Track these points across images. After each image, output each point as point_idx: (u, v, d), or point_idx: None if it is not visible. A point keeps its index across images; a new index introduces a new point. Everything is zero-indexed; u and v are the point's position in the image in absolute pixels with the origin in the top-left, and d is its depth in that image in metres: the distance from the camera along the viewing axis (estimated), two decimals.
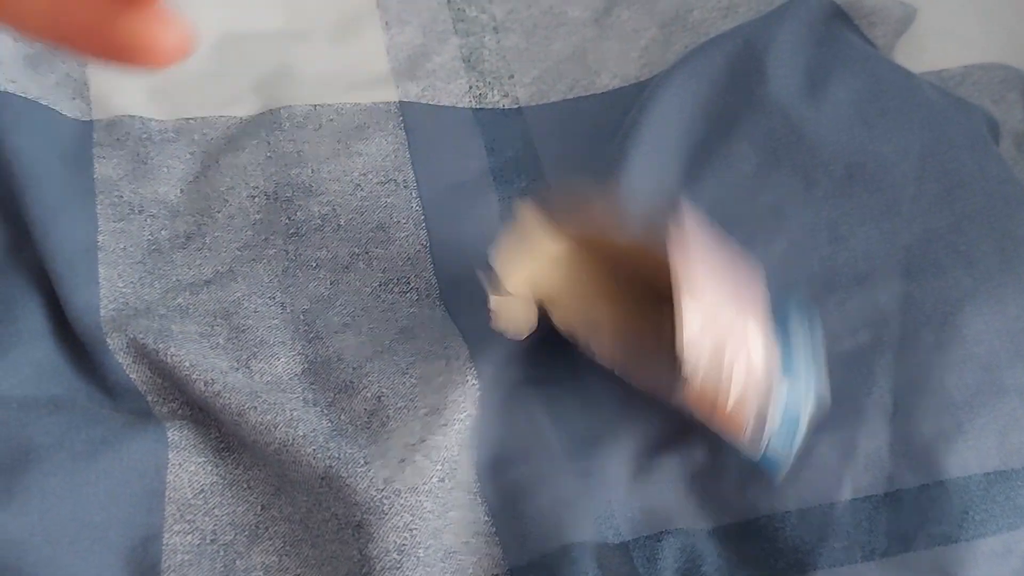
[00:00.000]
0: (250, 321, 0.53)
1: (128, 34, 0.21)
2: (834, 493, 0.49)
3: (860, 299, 0.53)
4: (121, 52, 0.22)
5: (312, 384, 0.52)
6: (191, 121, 0.60)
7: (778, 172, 0.55)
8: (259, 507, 0.50)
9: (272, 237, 0.56)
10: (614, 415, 0.50)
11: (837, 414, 0.50)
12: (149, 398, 0.51)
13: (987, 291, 0.52)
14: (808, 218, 0.54)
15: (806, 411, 0.49)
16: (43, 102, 0.58)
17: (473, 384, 0.49)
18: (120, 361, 0.51)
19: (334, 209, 0.57)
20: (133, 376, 0.51)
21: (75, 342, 0.52)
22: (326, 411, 0.50)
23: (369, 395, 0.50)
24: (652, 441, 0.50)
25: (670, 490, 0.50)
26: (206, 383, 0.50)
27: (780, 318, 0.49)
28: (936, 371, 0.50)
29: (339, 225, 0.57)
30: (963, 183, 0.55)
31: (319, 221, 0.57)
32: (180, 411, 0.51)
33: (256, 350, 0.52)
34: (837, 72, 0.57)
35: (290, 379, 0.52)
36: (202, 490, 0.50)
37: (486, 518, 0.49)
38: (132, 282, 0.54)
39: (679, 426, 0.51)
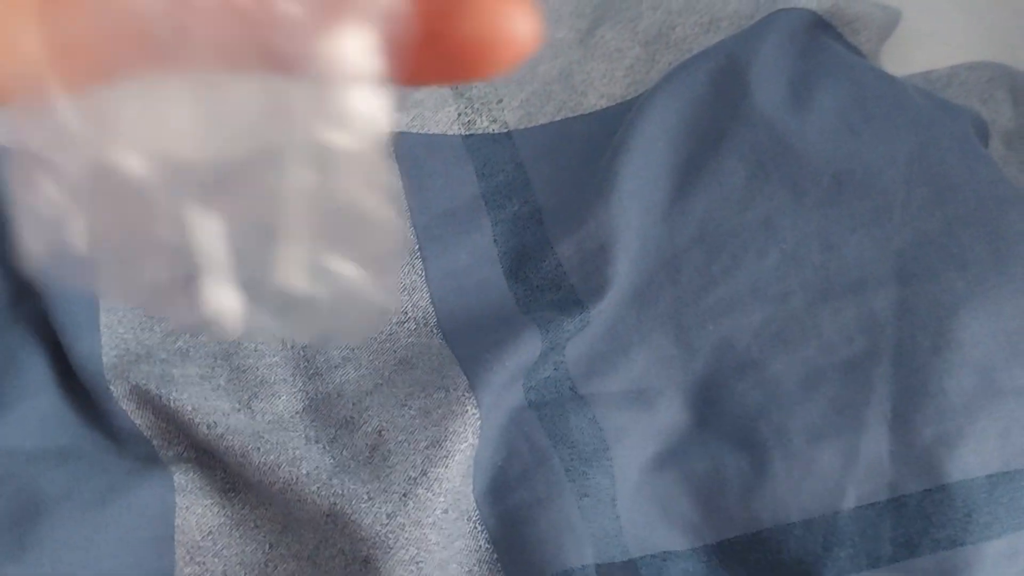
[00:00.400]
0: (250, 360, 0.54)
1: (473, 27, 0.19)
2: (837, 502, 0.49)
3: (855, 307, 0.53)
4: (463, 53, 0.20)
5: (313, 421, 0.52)
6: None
7: (767, 184, 0.56)
8: (267, 546, 0.50)
9: None
10: (614, 433, 0.51)
11: (837, 423, 0.50)
12: (154, 443, 0.52)
13: (981, 294, 0.52)
14: (799, 228, 0.55)
15: None
16: None
17: (473, 414, 0.50)
18: (124, 408, 0.52)
19: None
20: (138, 422, 0.52)
21: (80, 391, 0.52)
22: (328, 448, 0.51)
23: (370, 430, 0.51)
24: (653, 457, 0.51)
25: (674, 505, 0.50)
26: (208, 426, 0.50)
27: None
28: (934, 376, 0.50)
29: None
30: (953, 186, 0.55)
31: None
32: (185, 454, 0.52)
33: (257, 390, 0.53)
34: (821, 82, 0.58)
35: (291, 417, 0.52)
36: (210, 532, 0.50)
37: (487, 545, 0.49)
38: (133, 327, 0.55)
39: (679, 440, 0.51)
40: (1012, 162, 0.62)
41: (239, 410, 0.52)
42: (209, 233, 0.20)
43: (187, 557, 0.50)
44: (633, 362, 0.53)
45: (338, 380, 0.53)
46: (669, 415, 0.52)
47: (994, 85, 0.64)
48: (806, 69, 0.58)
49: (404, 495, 0.48)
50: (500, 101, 0.63)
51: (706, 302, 0.54)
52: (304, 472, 0.49)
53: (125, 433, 0.52)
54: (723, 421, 0.51)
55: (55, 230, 0.19)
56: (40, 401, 0.51)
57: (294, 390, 0.53)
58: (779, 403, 0.51)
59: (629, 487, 0.50)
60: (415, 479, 0.48)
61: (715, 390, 0.52)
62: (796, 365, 0.52)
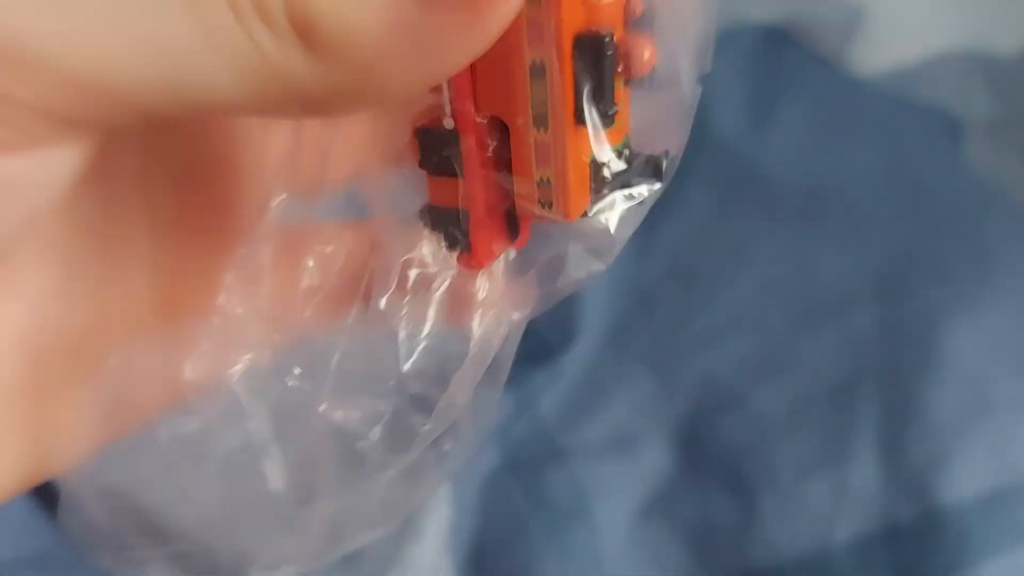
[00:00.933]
0: None
1: None
2: (829, 536, 0.48)
3: (836, 329, 0.52)
4: None
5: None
6: None
7: (735, 210, 0.55)
8: None
9: None
10: (597, 486, 0.50)
11: (825, 454, 0.49)
12: (126, 542, 0.52)
13: (964, 305, 0.51)
14: (772, 252, 0.54)
15: None
16: None
17: (445, 484, 0.49)
18: (95, 507, 0.51)
19: None
20: (108, 521, 0.51)
21: (51, 494, 0.52)
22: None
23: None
24: (640, 506, 0.50)
25: (665, 554, 0.49)
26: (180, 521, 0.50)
27: None
28: (920, 395, 0.49)
29: None
30: (927, 196, 0.54)
31: None
32: (156, 552, 0.52)
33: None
34: (781, 98, 0.56)
35: None
36: None
37: None
38: None
39: (666, 486, 0.50)
40: (992, 155, 0.61)
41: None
42: None
43: None
44: (613, 407, 0.52)
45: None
46: (654, 460, 0.51)
47: (967, 75, 0.63)
48: (764, 87, 0.57)
49: None
50: None
51: (684, 337, 0.53)
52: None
53: (96, 533, 0.51)
54: (709, 462, 0.51)
55: None
56: (13, 509, 0.51)
57: None
58: (765, 438, 0.50)
59: (618, 541, 0.49)
60: (387, 563, 0.48)
61: (699, 429, 0.51)
62: (780, 396, 0.51)
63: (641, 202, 0.24)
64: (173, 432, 0.22)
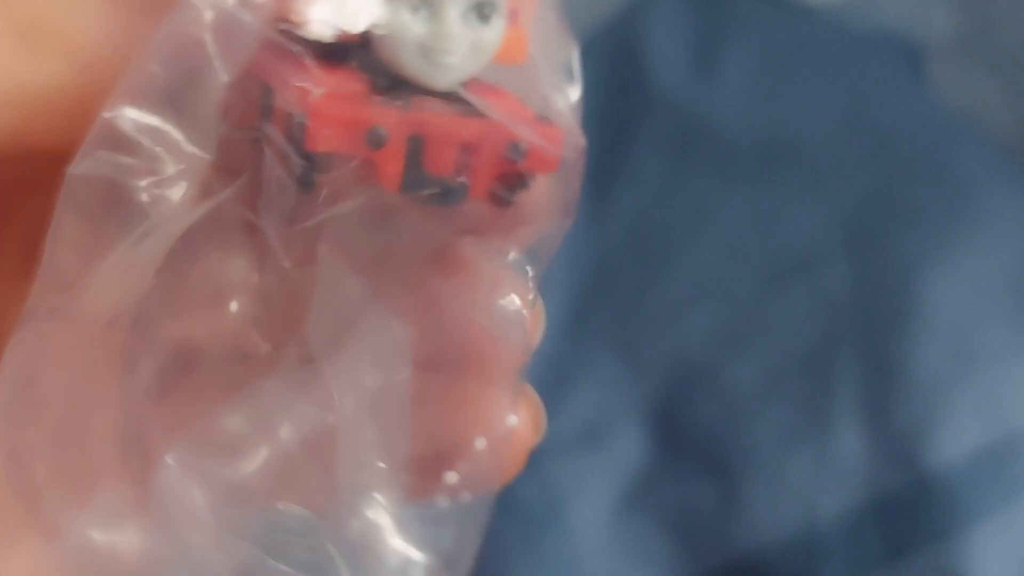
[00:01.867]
0: None
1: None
2: (815, 512, 0.46)
3: (806, 289, 0.49)
4: None
5: None
6: None
7: (689, 171, 0.52)
8: None
9: None
10: (570, 485, 0.48)
11: (804, 425, 0.47)
12: None
13: (939, 251, 0.48)
14: (732, 213, 0.51)
15: None
16: None
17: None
18: None
19: None
20: None
21: None
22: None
23: None
24: (619, 499, 0.48)
25: (649, 546, 0.48)
26: None
27: None
28: (899, 353, 0.47)
29: None
30: (890, 136, 0.51)
31: None
32: None
33: None
34: (726, 43, 0.53)
35: None
36: None
37: None
38: None
39: (643, 475, 0.48)
40: (958, 75, 0.58)
41: None
42: None
43: None
44: (580, 395, 0.49)
45: None
46: (627, 449, 0.48)
47: None
48: (707, 33, 0.53)
49: None
50: None
51: (647, 311, 0.50)
52: None
53: None
54: (686, 444, 0.48)
55: None
56: None
57: None
58: (741, 415, 0.48)
59: (596, 540, 0.47)
60: None
61: (672, 410, 0.49)
62: (753, 367, 0.48)
63: None
64: None
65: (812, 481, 0.46)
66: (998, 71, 0.58)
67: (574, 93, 0.20)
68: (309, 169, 0.18)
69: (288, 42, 0.17)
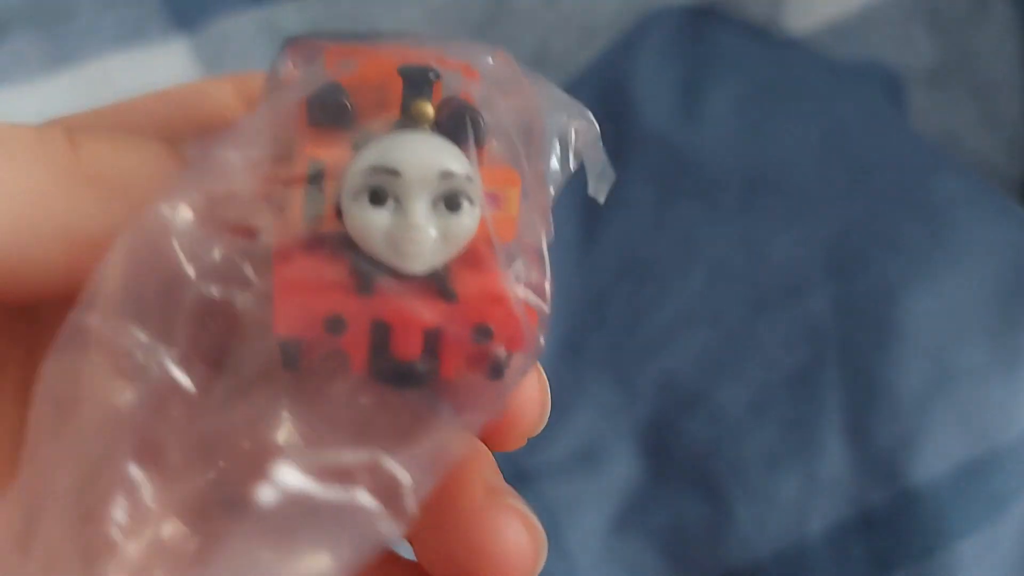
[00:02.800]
0: None
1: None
2: (803, 527, 0.48)
3: (792, 313, 0.51)
4: None
5: None
6: None
7: (677, 202, 0.53)
8: None
9: None
10: (565, 507, 0.49)
11: (791, 444, 0.48)
12: None
13: (919, 273, 0.50)
14: (719, 241, 0.52)
15: None
16: None
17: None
18: None
19: None
20: None
21: None
22: None
23: None
24: (612, 519, 0.49)
25: (641, 565, 0.49)
26: None
27: None
28: (882, 373, 0.48)
29: None
30: (870, 165, 0.52)
31: None
32: None
33: None
34: (711, 78, 0.55)
35: None
36: None
37: None
38: None
39: (636, 495, 0.50)
40: (937, 105, 0.59)
41: None
42: None
43: None
44: (575, 418, 0.51)
45: None
46: (620, 471, 0.50)
47: (909, 22, 0.61)
48: (692, 70, 0.55)
49: None
50: None
51: (639, 338, 0.52)
52: None
53: None
54: (677, 465, 0.50)
55: None
56: None
57: None
58: (730, 434, 0.49)
59: (591, 559, 0.49)
60: None
61: (664, 432, 0.50)
62: (741, 389, 0.50)
63: None
64: None
65: (800, 498, 0.48)
66: (978, 100, 0.59)
67: (547, 275, 0.21)
68: (287, 351, 0.18)
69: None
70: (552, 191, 0.21)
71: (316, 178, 0.18)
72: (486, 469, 0.21)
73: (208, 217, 0.18)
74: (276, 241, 0.18)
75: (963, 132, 0.59)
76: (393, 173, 0.18)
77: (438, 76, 0.19)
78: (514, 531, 0.20)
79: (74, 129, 0.20)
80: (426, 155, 0.18)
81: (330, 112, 0.18)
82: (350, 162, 0.18)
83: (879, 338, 0.49)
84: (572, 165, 0.22)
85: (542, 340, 0.19)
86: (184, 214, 0.18)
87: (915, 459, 0.47)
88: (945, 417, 0.47)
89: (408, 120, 0.19)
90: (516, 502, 0.20)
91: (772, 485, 0.48)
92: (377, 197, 0.18)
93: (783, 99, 0.54)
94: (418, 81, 0.19)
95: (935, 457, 0.47)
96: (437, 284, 0.18)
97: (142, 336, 0.18)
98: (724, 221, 0.53)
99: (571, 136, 0.22)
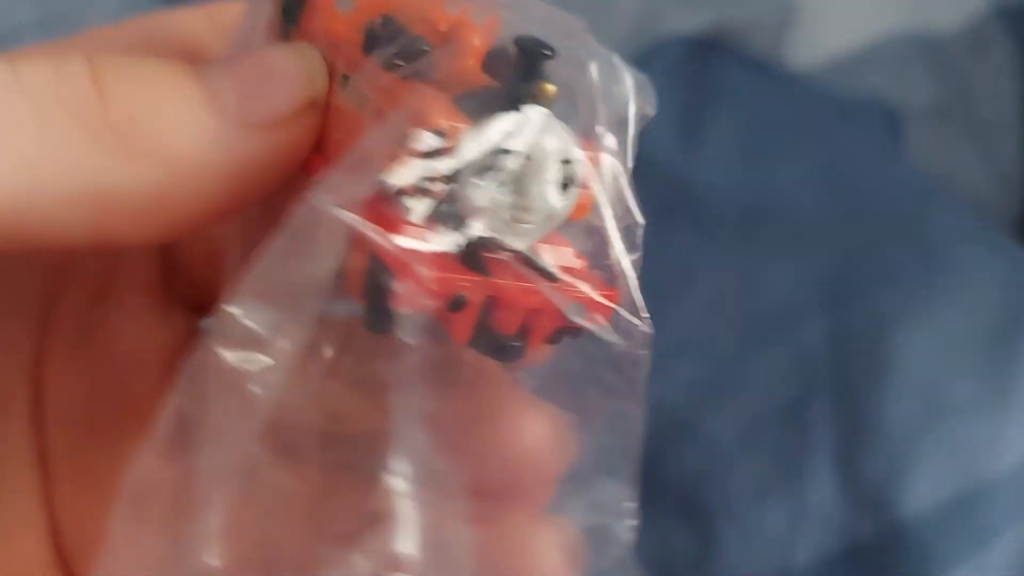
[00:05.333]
0: None
1: None
2: (789, 559, 0.48)
3: (785, 344, 0.51)
4: None
5: None
6: None
7: (675, 232, 0.54)
8: None
9: None
10: None
11: (780, 474, 0.49)
12: None
13: (912, 307, 0.50)
14: (715, 271, 0.53)
15: None
16: None
17: None
18: None
19: None
20: None
21: None
22: None
23: None
24: None
25: None
26: None
27: None
28: (872, 406, 0.49)
29: None
30: (868, 198, 0.53)
31: None
32: None
33: None
34: (712, 111, 0.55)
35: None
36: None
37: None
38: None
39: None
40: (935, 142, 0.60)
41: None
42: None
43: None
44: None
45: None
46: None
47: (909, 59, 0.62)
48: (693, 101, 0.56)
49: None
50: None
51: None
52: None
53: None
54: (665, 492, 0.50)
55: None
56: None
57: None
58: (719, 464, 0.49)
59: None
60: None
61: (653, 459, 0.51)
62: (732, 419, 0.50)
63: None
64: None
65: (788, 529, 0.48)
66: (975, 138, 0.60)
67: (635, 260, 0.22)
68: (388, 320, 0.18)
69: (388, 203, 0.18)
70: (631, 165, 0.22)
71: (434, 152, 0.18)
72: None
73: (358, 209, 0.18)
74: (393, 217, 0.18)
75: (960, 169, 0.59)
76: (523, 155, 0.19)
77: (555, 54, 0.19)
78: (540, 425, 0.21)
79: (98, 63, 0.19)
80: (556, 140, 0.19)
81: (414, 62, 0.19)
82: (470, 135, 0.18)
83: (871, 371, 0.49)
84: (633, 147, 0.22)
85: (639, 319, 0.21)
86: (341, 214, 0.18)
87: (904, 492, 0.47)
88: (934, 450, 0.47)
89: (526, 96, 0.19)
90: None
91: (760, 515, 0.48)
92: (502, 176, 0.19)
93: (782, 132, 0.55)
94: (536, 57, 0.19)
95: (924, 490, 0.47)
96: (531, 261, 0.19)
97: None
98: (721, 251, 0.53)
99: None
